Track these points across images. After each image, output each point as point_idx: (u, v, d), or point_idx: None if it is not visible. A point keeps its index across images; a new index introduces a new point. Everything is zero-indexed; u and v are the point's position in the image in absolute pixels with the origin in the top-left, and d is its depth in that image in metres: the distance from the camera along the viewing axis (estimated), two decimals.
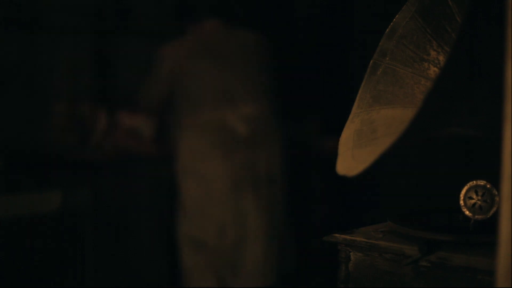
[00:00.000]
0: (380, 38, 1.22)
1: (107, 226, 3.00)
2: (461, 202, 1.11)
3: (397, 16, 1.19)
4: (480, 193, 1.10)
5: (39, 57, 3.64)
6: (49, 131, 3.20)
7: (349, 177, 1.07)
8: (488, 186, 1.09)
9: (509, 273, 0.73)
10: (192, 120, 2.83)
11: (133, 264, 3.10)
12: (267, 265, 2.89)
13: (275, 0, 4.63)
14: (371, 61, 1.22)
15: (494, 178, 1.02)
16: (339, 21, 4.50)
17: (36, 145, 3.50)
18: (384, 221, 1.21)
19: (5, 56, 3.51)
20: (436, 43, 1.16)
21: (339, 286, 1.15)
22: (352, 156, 1.09)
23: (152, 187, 3.21)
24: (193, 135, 2.83)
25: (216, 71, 2.84)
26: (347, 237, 1.13)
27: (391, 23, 1.20)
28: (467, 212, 1.11)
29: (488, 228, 1.07)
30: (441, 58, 1.16)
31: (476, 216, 1.10)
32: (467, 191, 1.11)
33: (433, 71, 1.17)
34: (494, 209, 1.09)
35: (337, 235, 1.15)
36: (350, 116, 1.20)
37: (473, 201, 1.10)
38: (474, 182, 1.11)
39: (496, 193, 1.09)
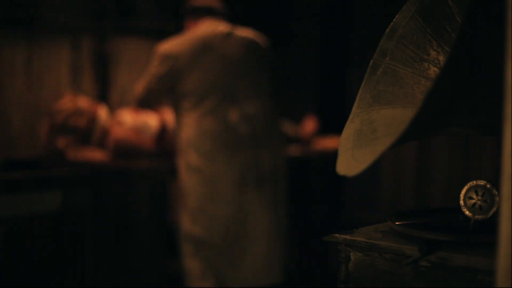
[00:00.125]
0: (380, 38, 1.22)
1: (107, 226, 3.00)
2: (461, 202, 1.11)
3: (397, 16, 1.19)
4: (480, 193, 1.10)
5: (39, 57, 3.64)
6: (49, 131, 3.20)
7: (349, 177, 1.07)
8: (488, 186, 1.09)
9: (509, 273, 0.73)
10: (194, 118, 2.83)
11: (133, 264, 3.10)
12: (270, 264, 2.89)
13: (275, 0, 4.63)
14: (371, 61, 1.22)
15: (494, 178, 1.02)
16: (339, 21, 4.50)
17: (36, 146, 3.50)
18: (384, 221, 1.21)
19: (5, 56, 3.51)
20: (436, 43, 1.16)
21: (339, 286, 1.14)
22: (352, 156, 1.09)
23: (152, 187, 3.21)
24: (196, 133, 2.82)
25: (217, 69, 2.84)
26: (347, 237, 1.13)
27: (391, 23, 1.20)
28: (467, 212, 1.11)
29: (488, 228, 1.07)
30: (441, 58, 1.16)
31: (476, 216, 1.10)
32: (467, 191, 1.11)
33: (433, 71, 1.17)
34: (494, 209, 1.09)
35: (337, 235, 1.15)
36: (350, 116, 1.20)
37: (473, 201, 1.10)
38: (474, 182, 1.11)
39: (496, 193, 1.09)
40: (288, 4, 4.61)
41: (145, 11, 4.06)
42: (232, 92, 2.86)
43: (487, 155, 3.63)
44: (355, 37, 4.35)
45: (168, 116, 3.32)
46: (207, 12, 2.96)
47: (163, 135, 3.29)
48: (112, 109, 3.55)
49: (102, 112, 3.27)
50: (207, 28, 2.91)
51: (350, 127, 1.18)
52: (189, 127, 2.84)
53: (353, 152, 1.11)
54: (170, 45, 2.87)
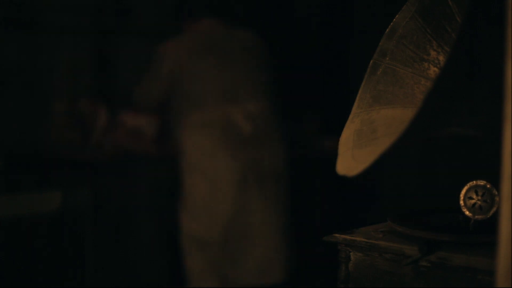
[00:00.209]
0: (380, 38, 1.22)
1: (107, 226, 3.00)
2: (461, 202, 1.11)
3: (397, 16, 1.19)
4: (480, 193, 1.10)
5: (39, 57, 3.64)
6: (49, 131, 3.20)
7: (349, 177, 1.07)
8: (488, 186, 1.09)
9: (509, 273, 0.73)
10: (196, 118, 2.83)
11: (133, 264, 3.10)
12: (271, 263, 2.89)
13: (275, 0, 4.63)
14: (371, 61, 1.22)
15: (494, 178, 1.02)
16: (339, 21, 4.50)
17: (36, 145, 3.50)
18: (384, 221, 1.21)
19: (5, 56, 3.51)
20: (436, 43, 1.16)
21: (339, 286, 1.15)
22: (352, 156, 1.09)
23: (152, 187, 3.21)
24: (198, 133, 2.82)
25: (218, 69, 2.84)
26: (347, 237, 1.13)
27: (391, 23, 1.20)
28: (467, 212, 1.11)
29: (488, 228, 1.07)
30: (441, 58, 1.16)
31: (476, 216, 1.10)
32: (467, 191, 1.11)
33: (433, 71, 1.17)
34: (494, 209, 1.09)
35: (337, 235, 1.15)
36: (350, 116, 1.20)
37: (473, 201, 1.10)
38: (474, 182, 1.11)
39: (496, 193, 1.09)
40: (288, 4, 4.61)
41: (145, 11, 4.06)
42: (234, 91, 2.86)
43: (487, 155, 3.62)
44: (355, 37, 4.34)
45: (168, 116, 3.32)
46: (206, 13, 2.96)
47: (163, 136, 3.28)
48: (112, 110, 3.55)
49: (102, 112, 3.27)
50: (207, 28, 2.91)
51: (350, 127, 1.18)
52: (191, 126, 2.83)
53: (353, 152, 1.11)
54: (171, 45, 2.87)
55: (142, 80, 2.96)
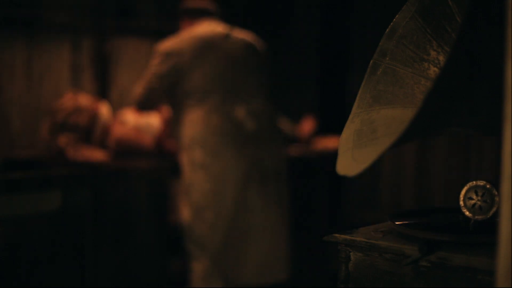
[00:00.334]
0: (380, 38, 1.22)
1: (107, 226, 3.00)
2: (461, 203, 1.11)
3: (397, 16, 1.19)
4: (480, 194, 1.10)
5: (39, 57, 3.64)
6: (50, 129, 3.20)
7: (349, 177, 1.07)
8: (488, 186, 1.09)
9: (509, 273, 0.73)
10: (199, 115, 2.83)
11: (133, 264, 3.10)
12: (272, 262, 2.89)
13: (274, 0, 4.63)
14: (371, 61, 1.22)
15: (494, 178, 1.02)
16: (339, 21, 4.50)
17: (36, 145, 3.50)
18: (384, 221, 1.21)
19: (5, 56, 3.51)
20: (436, 43, 1.16)
21: (339, 286, 1.14)
22: (352, 156, 1.09)
23: (152, 187, 3.21)
24: (201, 129, 2.82)
25: (220, 66, 2.85)
26: (347, 237, 1.13)
27: (391, 23, 1.20)
28: (467, 213, 1.11)
29: (488, 228, 1.07)
30: (441, 58, 1.16)
31: (476, 217, 1.09)
32: (467, 191, 1.11)
33: (433, 71, 1.17)
34: (494, 209, 1.09)
35: (337, 235, 1.15)
36: (350, 116, 1.20)
37: (473, 201, 1.10)
38: (474, 182, 1.11)
39: (496, 193, 1.09)
40: (287, 3, 4.61)
41: (145, 11, 4.06)
42: (236, 89, 2.87)
43: (487, 155, 3.63)
44: (355, 37, 4.34)
45: (169, 116, 3.32)
46: (203, 14, 2.98)
47: (164, 135, 3.28)
48: (112, 109, 3.55)
49: (104, 110, 3.27)
50: (206, 28, 2.92)
51: (350, 127, 1.18)
52: (194, 124, 2.83)
53: (353, 152, 1.11)
54: (172, 43, 2.87)
55: (142, 81, 2.96)
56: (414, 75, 1.18)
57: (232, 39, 2.92)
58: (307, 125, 3.77)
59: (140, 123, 3.32)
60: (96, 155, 3.13)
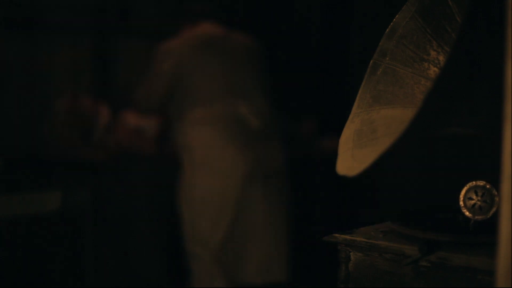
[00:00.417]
0: (380, 38, 1.22)
1: (107, 226, 3.00)
2: (461, 203, 1.11)
3: (397, 16, 1.19)
4: (480, 194, 1.10)
5: (39, 57, 3.64)
6: (50, 130, 3.20)
7: (349, 177, 1.07)
8: (488, 186, 1.09)
9: (509, 273, 0.73)
10: (202, 113, 2.83)
11: (133, 264, 3.10)
12: (273, 260, 2.89)
13: (274, 0, 4.62)
14: (371, 61, 1.22)
15: (494, 178, 1.02)
16: (339, 21, 4.49)
17: (36, 145, 3.50)
18: (384, 221, 1.21)
19: (5, 56, 3.51)
20: (436, 43, 1.16)
21: (339, 286, 1.15)
22: (352, 156, 1.09)
23: (152, 187, 3.21)
24: (204, 127, 2.82)
25: (222, 66, 2.86)
26: (347, 237, 1.13)
27: (391, 23, 1.20)
28: (467, 213, 1.11)
29: (488, 228, 1.07)
30: (441, 58, 1.16)
31: (476, 217, 1.09)
32: (467, 191, 1.11)
33: (433, 71, 1.17)
34: (494, 209, 1.09)
35: (337, 235, 1.15)
36: (350, 116, 1.20)
37: (473, 201, 1.10)
38: (474, 182, 1.11)
39: (496, 193, 1.09)
40: (287, 3, 4.61)
41: (145, 11, 4.06)
42: (238, 87, 2.88)
43: (487, 155, 3.62)
44: (355, 37, 4.34)
45: (169, 115, 3.32)
46: (202, 17, 2.99)
47: (164, 135, 3.28)
48: (112, 109, 3.55)
49: (104, 112, 3.27)
50: (206, 29, 2.94)
51: (350, 127, 1.18)
52: (196, 122, 2.83)
53: (353, 152, 1.11)
54: (173, 43, 2.89)
55: (143, 81, 2.96)
56: (414, 75, 1.18)
57: (231, 40, 2.93)
58: (307, 125, 3.77)
59: (140, 123, 3.32)
60: (96, 155, 3.14)
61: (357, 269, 1.12)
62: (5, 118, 3.50)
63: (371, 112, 1.18)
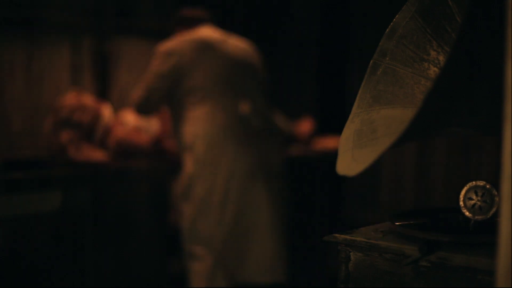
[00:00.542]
0: (380, 38, 1.22)
1: (107, 226, 3.00)
2: (461, 203, 1.11)
3: (397, 16, 1.19)
4: (480, 194, 1.10)
5: (39, 57, 3.64)
6: (53, 126, 3.20)
7: (349, 177, 1.07)
8: (487, 186, 1.09)
9: (509, 273, 0.73)
10: (203, 112, 2.83)
11: (133, 264, 3.10)
12: (274, 260, 2.89)
13: (274, 0, 4.63)
14: (371, 61, 1.22)
15: (494, 178, 1.02)
16: (339, 20, 4.50)
17: (36, 145, 3.50)
18: (384, 221, 1.21)
19: (5, 56, 3.51)
20: (436, 43, 1.16)
21: (339, 286, 1.14)
22: (352, 156, 1.09)
23: (152, 187, 3.21)
24: (206, 126, 2.82)
25: (221, 66, 2.87)
26: (347, 237, 1.13)
27: (391, 23, 1.20)
28: (467, 213, 1.11)
29: (488, 228, 1.07)
30: (441, 58, 1.16)
31: (476, 217, 1.09)
32: (467, 191, 1.11)
33: (433, 71, 1.17)
34: (494, 209, 1.09)
35: (337, 235, 1.15)
36: (350, 116, 1.20)
37: (473, 201, 1.10)
38: (474, 182, 1.11)
39: (496, 193, 1.09)
40: (287, 3, 4.61)
41: (145, 11, 4.06)
42: (238, 87, 2.90)
43: (487, 155, 3.63)
44: (355, 37, 4.34)
45: (167, 115, 3.32)
46: (200, 22, 3.01)
47: (163, 134, 3.28)
48: (112, 109, 3.55)
49: (106, 111, 3.27)
50: (205, 32, 2.96)
51: (350, 127, 1.18)
52: (197, 121, 2.83)
53: (353, 152, 1.11)
54: (172, 43, 2.90)
55: (143, 82, 2.96)
56: (414, 75, 1.18)
57: (230, 44, 2.96)
58: (306, 125, 3.77)
59: (140, 123, 3.32)
60: (97, 155, 3.14)
61: (357, 269, 1.12)
62: (5, 118, 3.50)
63: (371, 112, 1.18)
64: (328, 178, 3.92)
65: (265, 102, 3.00)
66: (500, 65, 0.84)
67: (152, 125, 3.33)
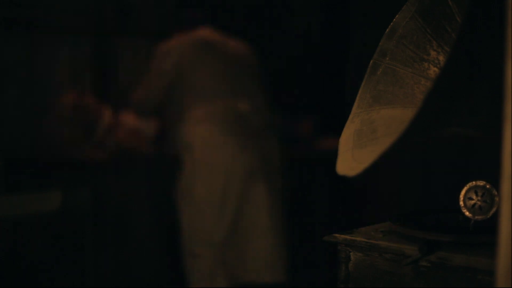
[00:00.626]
0: (380, 38, 1.22)
1: (107, 226, 3.00)
2: (461, 203, 1.11)
3: (397, 16, 1.19)
4: (480, 194, 1.10)
5: (39, 57, 3.64)
6: (54, 124, 3.20)
7: (349, 177, 1.07)
8: (488, 186, 1.09)
9: (509, 273, 0.73)
10: (203, 111, 2.84)
11: (133, 264, 3.10)
12: (274, 260, 2.89)
13: (275, 0, 4.62)
14: (371, 61, 1.22)
15: (494, 178, 1.02)
16: (339, 21, 4.50)
17: (37, 145, 3.50)
18: (384, 221, 1.21)
19: (5, 56, 3.51)
20: (436, 43, 1.16)
21: (339, 286, 1.14)
22: (352, 156, 1.09)
23: (152, 187, 3.21)
24: (205, 125, 2.83)
25: (222, 65, 2.88)
26: (347, 237, 1.13)
27: (391, 23, 1.20)
28: (467, 213, 1.11)
29: (488, 228, 1.07)
30: (441, 58, 1.16)
31: (476, 217, 1.09)
32: (467, 191, 1.11)
33: (433, 71, 1.17)
34: (494, 209, 1.09)
35: (337, 235, 1.15)
36: (350, 116, 1.20)
37: (473, 201, 1.10)
38: (474, 182, 1.11)
39: (496, 193, 1.09)
40: (287, 3, 4.61)
41: (145, 11, 4.06)
42: (238, 86, 2.90)
43: (487, 155, 3.62)
44: (355, 37, 4.34)
45: (167, 115, 3.32)
46: (199, 23, 3.02)
47: (162, 136, 3.28)
48: (112, 110, 3.55)
49: (107, 111, 3.27)
50: (204, 33, 2.97)
51: (350, 127, 1.18)
52: (197, 120, 2.84)
53: (353, 152, 1.11)
54: (173, 43, 2.91)
55: (142, 82, 2.96)
56: (414, 75, 1.18)
57: (229, 45, 2.97)
58: (306, 125, 3.77)
59: (140, 123, 3.32)
60: (97, 155, 3.14)
61: (357, 269, 1.12)
62: (5, 118, 3.50)
63: (371, 112, 1.18)
64: (328, 178, 3.91)
65: (266, 100, 3.01)
66: (500, 65, 0.84)
67: (151, 125, 3.33)
